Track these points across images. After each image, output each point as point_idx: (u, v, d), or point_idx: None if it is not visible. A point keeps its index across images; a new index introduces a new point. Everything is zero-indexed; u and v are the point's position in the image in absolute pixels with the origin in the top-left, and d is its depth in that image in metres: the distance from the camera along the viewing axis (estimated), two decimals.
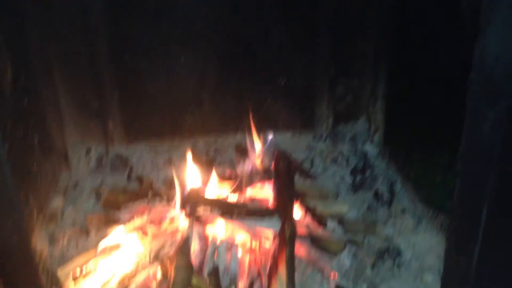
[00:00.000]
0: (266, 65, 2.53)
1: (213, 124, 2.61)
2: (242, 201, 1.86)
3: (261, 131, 2.27)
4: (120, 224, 1.88)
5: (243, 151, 2.36)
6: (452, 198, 1.25)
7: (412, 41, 2.25)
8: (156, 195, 2.03)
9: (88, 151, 2.50)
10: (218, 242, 1.68)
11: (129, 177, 2.35)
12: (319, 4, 2.45)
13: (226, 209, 1.70)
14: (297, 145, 2.65)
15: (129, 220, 1.88)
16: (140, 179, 2.28)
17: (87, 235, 1.91)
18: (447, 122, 2.38)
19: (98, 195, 2.18)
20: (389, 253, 1.80)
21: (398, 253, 1.80)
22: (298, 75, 2.60)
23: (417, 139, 2.33)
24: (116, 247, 1.75)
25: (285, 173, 1.94)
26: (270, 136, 2.15)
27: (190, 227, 1.68)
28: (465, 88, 1.08)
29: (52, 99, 2.29)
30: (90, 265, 1.70)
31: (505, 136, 1.02)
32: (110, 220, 1.94)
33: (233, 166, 2.35)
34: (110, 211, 2.02)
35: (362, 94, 2.64)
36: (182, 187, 1.85)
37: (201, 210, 1.73)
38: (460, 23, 1.58)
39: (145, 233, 1.78)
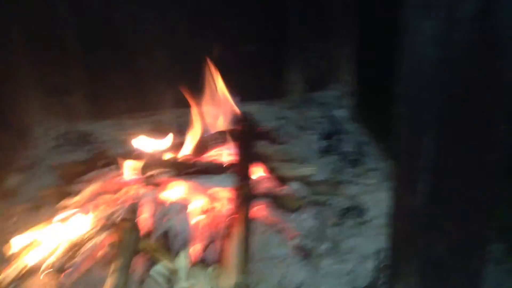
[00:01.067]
0: (234, 32, 2.44)
1: (181, 96, 2.52)
2: (199, 162, 1.78)
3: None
4: (74, 195, 1.81)
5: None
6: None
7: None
8: (111, 164, 1.93)
9: (49, 128, 2.42)
10: (168, 204, 1.60)
11: (89, 152, 2.26)
12: None
13: (178, 169, 1.62)
14: (269, 113, 2.56)
15: (83, 190, 1.80)
16: (99, 154, 2.20)
17: (38, 209, 1.83)
18: None
19: (55, 171, 2.10)
20: (352, 211, 1.72)
21: (360, 210, 1.72)
22: (268, 41, 2.51)
23: (388, 100, 2.25)
24: (67, 218, 1.67)
25: (244, 134, 1.86)
26: (234, 99, 2.07)
27: (138, 189, 1.60)
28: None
29: (10, 73, 2.20)
30: (39, 236, 1.62)
31: (444, 48, 0.93)
32: (63, 193, 1.86)
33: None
34: (65, 185, 1.93)
35: (333, 58, 2.55)
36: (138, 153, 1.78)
37: (154, 173, 1.64)
38: None
39: (96, 202, 1.70)
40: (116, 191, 1.77)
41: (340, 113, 2.44)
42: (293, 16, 2.50)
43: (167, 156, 1.82)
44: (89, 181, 1.87)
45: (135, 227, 1.48)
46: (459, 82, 0.96)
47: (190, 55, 2.40)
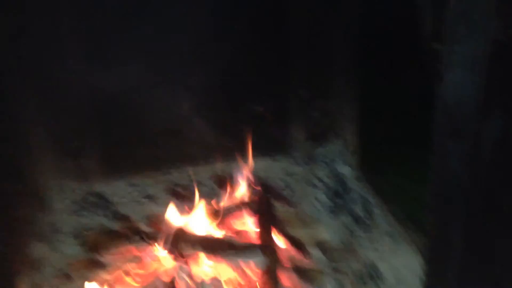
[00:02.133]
0: (241, 93, 2.57)
1: (191, 155, 2.62)
2: (224, 236, 1.89)
3: (238, 159, 2.32)
4: (104, 267, 1.89)
5: (223, 182, 2.38)
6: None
7: (382, 64, 2.33)
8: (139, 234, 2.02)
9: (65, 192, 2.48)
10: (205, 279, 1.70)
11: (110, 216, 2.34)
12: (290, 31, 2.52)
13: (208, 245, 1.72)
14: (274, 171, 2.68)
15: (113, 262, 1.88)
16: (122, 218, 2.28)
17: (70, 281, 1.90)
18: (421, 145, 2.48)
19: (79, 238, 2.17)
20: (371, 278, 1.84)
21: (379, 276, 1.85)
22: (271, 101, 2.65)
23: (393, 161, 2.40)
24: None
25: (265, 203, 1.98)
26: (247, 166, 2.18)
27: (179, 267, 1.69)
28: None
29: (24, 138, 2.27)
30: None
31: (470, 170, 1.08)
32: (93, 264, 1.94)
33: (216, 198, 2.39)
34: (93, 254, 2.01)
35: (337, 117, 2.70)
36: (167, 225, 1.87)
37: (184, 248, 1.74)
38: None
39: (131, 275, 1.79)
40: (147, 263, 1.86)
41: (346, 171, 2.58)
42: (295, 76, 2.64)
43: (196, 227, 1.91)
44: (119, 253, 1.96)
45: None
46: (482, 194, 1.11)
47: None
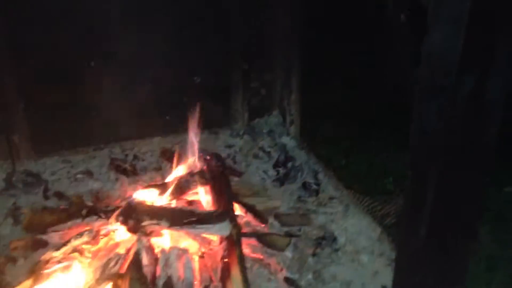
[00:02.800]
0: (182, 66, 2.51)
1: (129, 129, 2.53)
2: (183, 208, 1.85)
3: (179, 131, 2.28)
4: (49, 246, 1.78)
5: (169, 155, 2.32)
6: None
7: (322, 33, 2.40)
8: (84, 210, 1.91)
9: None
10: (167, 251, 1.66)
11: (45, 194, 2.19)
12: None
13: (175, 219, 1.67)
14: (215, 143, 2.67)
15: (60, 241, 1.77)
16: (59, 196, 2.15)
17: (14, 263, 1.76)
18: (358, 109, 2.59)
19: (15, 218, 2.01)
20: (326, 240, 1.91)
21: (333, 239, 1.92)
22: (211, 72, 2.61)
23: (333, 128, 2.50)
24: (55, 272, 1.64)
25: (219, 174, 1.96)
26: (196, 137, 2.14)
27: (138, 240, 1.63)
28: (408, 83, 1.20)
29: None
30: None
31: (446, 125, 1.15)
32: (37, 244, 1.81)
33: (158, 171, 2.33)
34: (34, 234, 1.87)
35: (275, 88, 2.73)
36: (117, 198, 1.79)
37: (146, 222, 1.68)
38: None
39: (83, 252, 1.70)
40: (97, 239, 1.78)
41: (287, 140, 2.63)
42: (236, 50, 2.63)
43: (149, 200, 1.85)
44: (64, 230, 1.85)
45: (143, 276, 1.52)
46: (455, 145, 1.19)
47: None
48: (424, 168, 1.20)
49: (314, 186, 2.22)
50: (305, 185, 2.24)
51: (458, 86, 1.08)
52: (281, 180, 2.33)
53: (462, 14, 1.01)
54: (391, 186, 2.37)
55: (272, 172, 2.40)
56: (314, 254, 1.85)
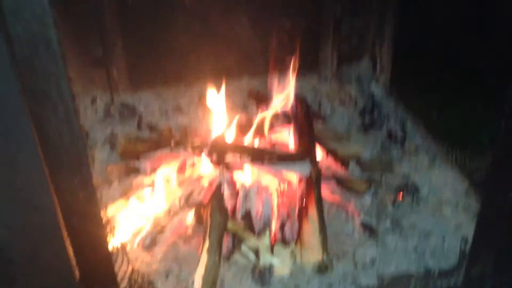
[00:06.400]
0: (270, 8, 2.48)
1: (220, 69, 2.58)
2: (267, 147, 1.88)
3: (267, 74, 2.28)
4: (141, 173, 1.91)
5: (256, 96, 2.35)
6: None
7: None
8: (175, 142, 2.02)
9: (93, 101, 2.46)
10: (247, 186, 1.72)
11: (139, 125, 2.33)
12: None
13: (256, 156, 1.72)
14: (303, 87, 2.64)
15: (150, 169, 1.89)
16: (151, 127, 2.28)
17: (109, 185, 1.92)
18: (455, 61, 2.43)
19: (111, 145, 2.17)
20: (408, 190, 1.87)
21: (416, 189, 1.87)
22: (302, 16, 2.56)
23: (425, 78, 2.37)
24: (144, 195, 1.77)
25: (304, 116, 1.96)
26: (287, 80, 2.14)
27: (221, 173, 1.70)
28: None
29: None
30: (122, 212, 1.72)
31: None
32: (130, 170, 1.95)
33: (247, 111, 2.37)
34: (129, 161, 2.02)
35: (367, 34, 2.62)
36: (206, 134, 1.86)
37: (229, 157, 1.73)
38: None
39: (170, 180, 1.80)
40: (183, 170, 1.88)
41: (376, 88, 2.54)
42: None
43: (234, 136, 1.91)
44: (155, 159, 1.97)
45: (224, 207, 1.59)
46: None
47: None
48: None
49: (401, 135, 2.15)
50: (390, 133, 2.18)
51: None
52: (366, 127, 2.28)
53: None
54: (486, 140, 2.22)
55: (357, 119, 2.36)
56: (394, 203, 1.83)
